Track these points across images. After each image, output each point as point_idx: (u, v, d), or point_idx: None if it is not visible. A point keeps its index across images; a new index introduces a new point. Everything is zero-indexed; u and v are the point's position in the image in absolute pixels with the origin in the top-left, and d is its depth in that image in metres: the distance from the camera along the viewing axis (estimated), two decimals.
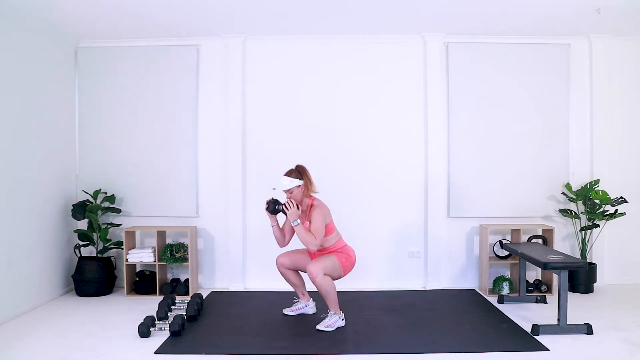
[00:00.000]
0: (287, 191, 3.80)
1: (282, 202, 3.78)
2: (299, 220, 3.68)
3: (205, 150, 5.08)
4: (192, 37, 5.04)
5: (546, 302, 4.43)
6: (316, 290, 3.74)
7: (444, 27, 4.85)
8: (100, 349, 3.36)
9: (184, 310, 4.10)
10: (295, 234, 3.87)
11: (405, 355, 3.27)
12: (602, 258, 5.03)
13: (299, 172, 3.83)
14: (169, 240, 5.09)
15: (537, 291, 4.82)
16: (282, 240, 3.99)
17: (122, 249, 4.89)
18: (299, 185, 3.78)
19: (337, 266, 3.74)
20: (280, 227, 4.00)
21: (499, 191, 5.04)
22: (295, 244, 4.13)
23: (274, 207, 3.80)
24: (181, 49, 5.06)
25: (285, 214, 3.72)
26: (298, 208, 3.72)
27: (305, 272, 3.78)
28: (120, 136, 5.07)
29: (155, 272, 4.85)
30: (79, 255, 4.85)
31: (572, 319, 3.82)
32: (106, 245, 4.86)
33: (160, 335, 3.61)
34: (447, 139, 5.05)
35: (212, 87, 5.08)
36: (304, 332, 3.69)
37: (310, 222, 3.74)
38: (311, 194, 3.84)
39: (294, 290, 4.16)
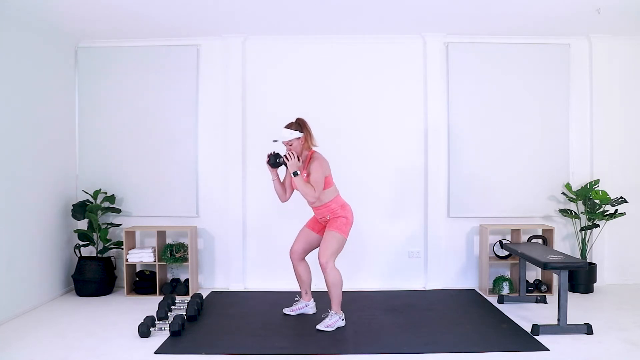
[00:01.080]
0: (287, 143, 3.81)
1: (283, 155, 3.78)
2: (298, 172, 3.69)
3: (205, 150, 5.08)
4: (192, 37, 5.04)
5: (546, 302, 4.43)
6: (317, 290, 3.74)
7: (444, 27, 4.85)
8: (100, 349, 3.37)
9: (184, 310, 4.10)
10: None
11: (405, 355, 3.27)
12: (602, 258, 5.03)
13: (299, 124, 3.84)
14: (169, 240, 5.09)
15: (537, 291, 4.82)
16: (283, 195, 3.99)
17: (122, 249, 4.89)
18: (299, 138, 3.79)
19: (341, 239, 3.76)
20: (282, 181, 4.00)
21: (499, 191, 5.04)
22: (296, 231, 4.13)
23: (275, 160, 3.79)
24: (181, 49, 5.06)
25: (286, 166, 3.72)
26: (298, 160, 3.73)
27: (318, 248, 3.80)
28: (120, 136, 5.07)
29: (155, 272, 4.85)
30: (79, 255, 4.85)
31: (572, 319, 3.83)
32: (106, 245, 4.86)
33: (160, 335, 3.61)
34: (447, 138, 5.05)
35: (212, 87, 5.08)
36: (304, 332, 3.69)
37: (309, 174, 3.74)
38: (311, 147, 3.85)
39: (294, 290, 4.17)
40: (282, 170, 3.98)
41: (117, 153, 5.07)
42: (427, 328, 3.79)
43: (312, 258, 4.04)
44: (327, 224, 3.85)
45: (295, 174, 3.67)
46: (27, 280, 4.26)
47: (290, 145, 3.80)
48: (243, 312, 4.21)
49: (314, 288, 4.23)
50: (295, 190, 3.92)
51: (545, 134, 5.04)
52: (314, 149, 3.87)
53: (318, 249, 3.81)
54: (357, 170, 5.04)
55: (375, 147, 5.06)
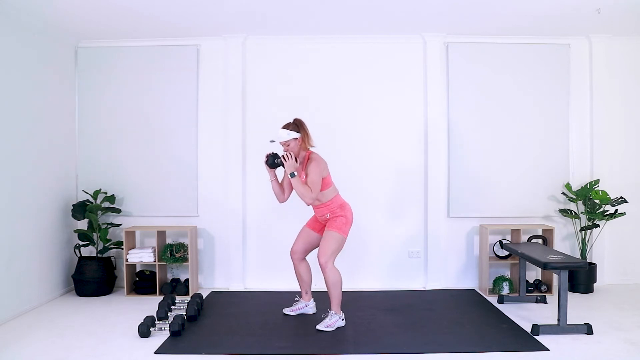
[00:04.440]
0: (284, 143, 3.79)
1: (281, 155, 3.76)
2: (296, 173, 3.68)
3: (205, 149, 5.08)
4: (192, 37, 5.04)
5: (546, 302, 4.43)
6: (317, 290, 3.74)
7: (444, 27, 4.85)
8: (100, 349, 3.37)
9: (184, 310, 4.10)
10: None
11: (405, 355, 3.27)
12: (602, 258, 5.03)
13: (296, 125, 3.82)
14: (169, 240, 5.09)
15: (537, 291, 4.82)
16: (281, 196, 3.96)
17: (122, 249, 4.89)
18: (296, 138, 3.77)
19: (340, 238, 3.76)
20: (280, 182, 3.98)
21: (499, 191, 5.04)
22: (296, 230, 4.13)
23: (273, 160, 3.78)
24: (181, 49, 5.06)
25: (284, 166, 3.71)
26: (296, 160, 3.72)
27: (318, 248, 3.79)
28: (120, 136, 5.07)
29: (155, 272, 4.85)
30: (79, 255, 4.85)
31: (572, 319, 3.83)
32: (106, 245, 4.86)
33: (160, 335, 3.61)
34: (447, 138, 5.05)
35: (212, 87, 5.08)
36: (304, 332, 3.69)
37: (307, 175, 3.73)
38: (308, 148, 3.83)
39: (294, 290, 4.17)
40: (280, 171, 3.97)
41: (117, 153, 5.07)
42: (427, 328, 3.79)
43: (312, 258, 4.04)
44: (327, 223, 3.85)
45: (292, 175, 3.66)
46: (27, 280, 4.26)
47: (288, 145, 3.78)
48: (243, 312, 4.21)
49: (314, 288, 4.23)
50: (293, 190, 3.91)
51: (546, 134, 5.04)
52: (311, 149, 3.86)
53: (318, 248, 3.81)
54: (357, 170, 5.04)
55: (375, 147, 5.06)
